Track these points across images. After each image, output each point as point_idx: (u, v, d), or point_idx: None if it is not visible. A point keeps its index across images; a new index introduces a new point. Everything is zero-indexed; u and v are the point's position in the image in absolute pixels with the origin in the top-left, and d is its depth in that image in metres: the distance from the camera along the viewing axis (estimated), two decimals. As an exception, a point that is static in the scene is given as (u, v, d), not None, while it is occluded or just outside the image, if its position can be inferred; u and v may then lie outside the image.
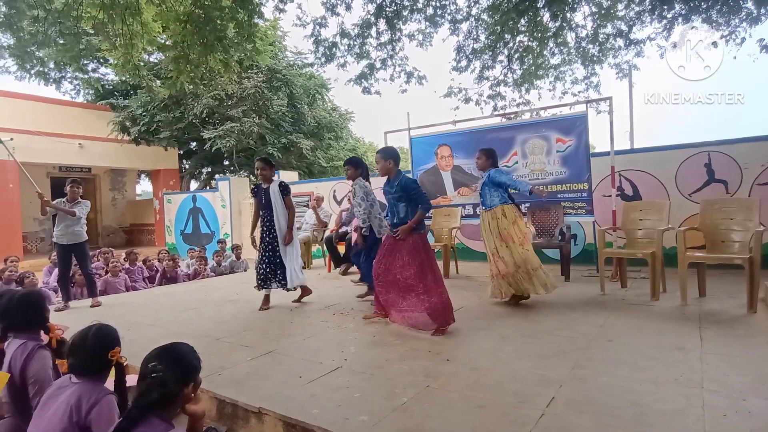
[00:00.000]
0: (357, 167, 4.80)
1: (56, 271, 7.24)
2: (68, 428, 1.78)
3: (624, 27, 8.04)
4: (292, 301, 5.01)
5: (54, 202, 5.38)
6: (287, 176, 11.71)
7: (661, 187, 6.37)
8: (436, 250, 6.42)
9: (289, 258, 4.79)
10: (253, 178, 16.50)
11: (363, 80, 8.41)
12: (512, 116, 8.13)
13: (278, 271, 4.77)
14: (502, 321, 3.91)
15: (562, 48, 8.69)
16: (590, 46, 8.38)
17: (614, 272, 5.42)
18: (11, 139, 11.79)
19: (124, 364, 1.98)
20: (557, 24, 8.15)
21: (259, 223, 4.90)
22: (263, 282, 4.79)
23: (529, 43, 8.52)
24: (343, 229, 7.28)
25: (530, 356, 2.99)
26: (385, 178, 3.98)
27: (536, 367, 2.78)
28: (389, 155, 3.91)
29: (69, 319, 4.54)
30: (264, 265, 4.78)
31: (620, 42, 8.15)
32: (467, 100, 9.36)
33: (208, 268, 8.74)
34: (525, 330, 3.60)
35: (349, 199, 7.11)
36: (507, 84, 9.19)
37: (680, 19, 7.11)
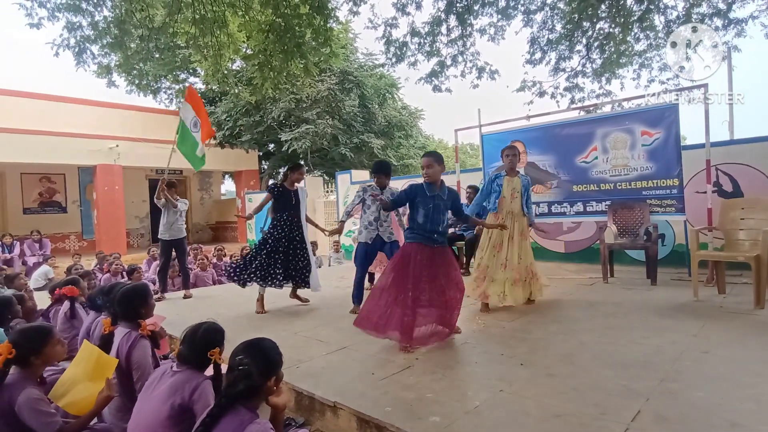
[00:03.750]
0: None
1: (155, 263, 8.00)
2: (169, 410, 1.97)
3: (722, 5, 7.28)
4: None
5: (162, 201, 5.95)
6: (359, 175, 11.91)
7: None
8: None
9: (314, 260, 4.98)
10: (327, 177, 17.02)
11: (433, 78, 8.36)
12: (591, 109, 7.67)
13: (305, 271, 4.86)
14: (581, 326, 3.71)
15: (648, 32, 8.06)
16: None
17: (710, 276, 4.94)
18: (117, 145, 13.16)
19: (221, 363, 2.13)
20: (643, 7, 7.56)
21: (270, 221, 4.96)
22: (282, 280, 4.74)
23: (611, 30, 7.99)
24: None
25: (612, 365, 2.80)
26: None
27: (619, 377, 2.61)
28: (442, 160, 3.61)
29: (164, 309, 4.97)
30: (282, 263, 4.74)
31: (718, 22, 7.39)
32: (542, 94, 8.98)
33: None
34: (606, 336, 3.39)
35: None
36: (585, 75, 8.70)
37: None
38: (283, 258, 4.78)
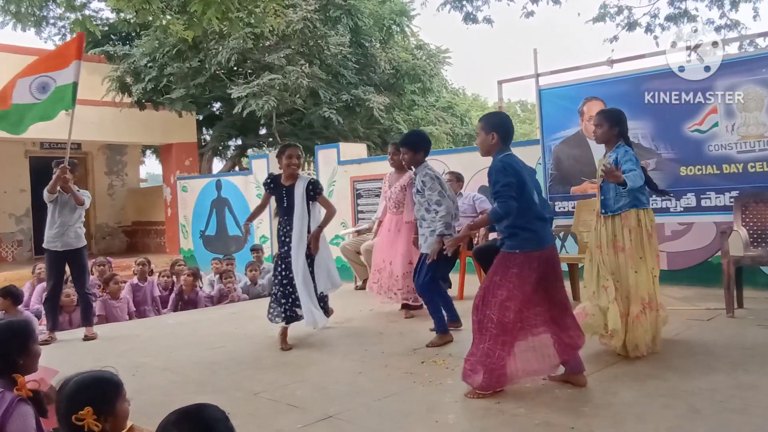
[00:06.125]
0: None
1: (41, 286, 8.03)
2: None
3: None
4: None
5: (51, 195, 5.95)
6: (351, 150, 11.92)
7: None
8: (580, 265, 6.27)
9: (306, 284, 5.07)
10: (302, 152, 17.02)
11: (465, 3, 8.37)
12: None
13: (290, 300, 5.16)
14: (691, 383, 3.72)
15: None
16: None
17: None
18: (-18, 106, 13.22)
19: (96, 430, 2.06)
20: None
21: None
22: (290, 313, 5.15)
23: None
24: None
25: (742, 444, 2.83)
26: None
27: (752, 463, 2.63)
28: (493, 125, 3.82)
29: (56, 356, 4.99)
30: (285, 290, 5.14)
31: None
32: (631, 26, 8.99)
33: (239, 287, 9.18)
34: (731, 400, 3.40)
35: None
36: (699, -4, 8.70)
37: None
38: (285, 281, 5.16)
